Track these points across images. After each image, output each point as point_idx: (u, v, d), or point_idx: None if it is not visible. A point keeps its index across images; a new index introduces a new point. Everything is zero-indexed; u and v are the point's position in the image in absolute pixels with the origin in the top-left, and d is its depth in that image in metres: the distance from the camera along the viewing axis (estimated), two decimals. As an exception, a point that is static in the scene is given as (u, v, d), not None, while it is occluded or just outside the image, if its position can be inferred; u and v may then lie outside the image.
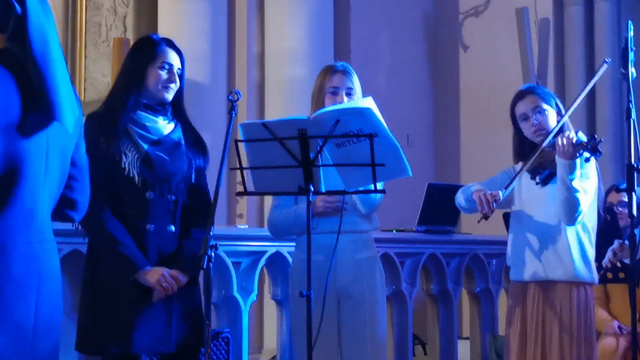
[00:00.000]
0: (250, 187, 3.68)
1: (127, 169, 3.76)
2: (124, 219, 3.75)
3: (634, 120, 3.71)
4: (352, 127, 3.48)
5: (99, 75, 9.38)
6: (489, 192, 4.25)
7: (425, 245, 6.47)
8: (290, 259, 5.51)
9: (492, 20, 9.15)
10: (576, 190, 4.16)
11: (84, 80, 9.43)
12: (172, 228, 3.84)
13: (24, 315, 2.61)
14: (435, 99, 9.56)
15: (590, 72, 8.63)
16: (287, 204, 4.24)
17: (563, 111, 4.45)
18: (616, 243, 4.58)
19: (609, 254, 4.59)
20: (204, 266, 3.28)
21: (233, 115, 3.70)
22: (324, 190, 3.56)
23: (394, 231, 6.31)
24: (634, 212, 3.67)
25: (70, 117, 2.65)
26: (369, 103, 3.57)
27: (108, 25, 9.28)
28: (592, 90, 8.61)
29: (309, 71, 8.19)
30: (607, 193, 5.82)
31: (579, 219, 4.25)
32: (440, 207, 6.43)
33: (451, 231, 6.71)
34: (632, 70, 3.76)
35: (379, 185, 4.03)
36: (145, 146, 3.81)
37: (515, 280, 4.49)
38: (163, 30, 8.15)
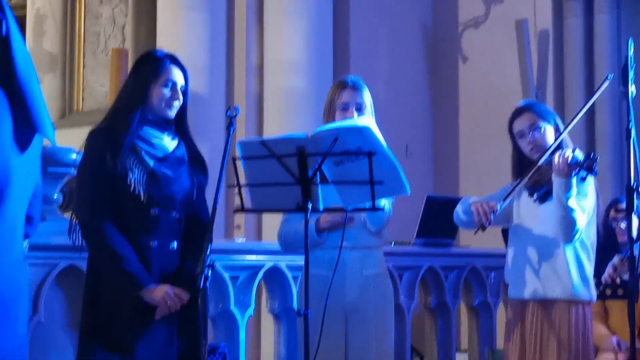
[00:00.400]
0: (248, 203, 3.66)
1: (132, 185, 3.76)
2: (128, 235, 3.74)
3: (634, 140, 3.68)
4: (350, 145, 3.46)
5: (97, 85, 9.35)
6: (487, 203, 4.24)
7: (423, 258, 6.46)
8: (288, 273, 5.52)
9: (492, 31, 9.14)
10: (572, 209, 4.15)
11: (82, 89, 9.41)
12: (175, 245, 3.84)
13: (10, 334, 2.60)
14: (434, 110, 9.54)
15: (590, 85, 8.62)
16: (297, 218, 4.20)
17: (561, 128, 4.43)
18: (616, 258, 4.57)
19: (608, 269, 4.58)
20: (201, 286, 3.27)
21: (231, 131, 3.68)
22: (321, 208, 3.54)
23: (392, 244, 6.28)
24: (634, 234, 3.62)
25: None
26: (367, 122, 3.56)
27: (107, 34, 9.27)
28: (592, 104, 8.59)
29: (308, 82, 8.19)
30: (609, 207, 5.81)
31: (576, 237, 4.23)
32: (438, 219, 6.41)
33: (450, 244, 6.70)
34: (632, 88, 3.73)
35: (387, 203, 4.11)
36: (151, 163, 3.81)
37: (514, 298, 4.48)
38: (162, 40, 8.15)
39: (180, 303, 3.75)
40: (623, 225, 5.72)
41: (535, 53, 8.74)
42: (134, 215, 3.76)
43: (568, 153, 4.11)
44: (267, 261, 5.42)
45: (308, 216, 3.45)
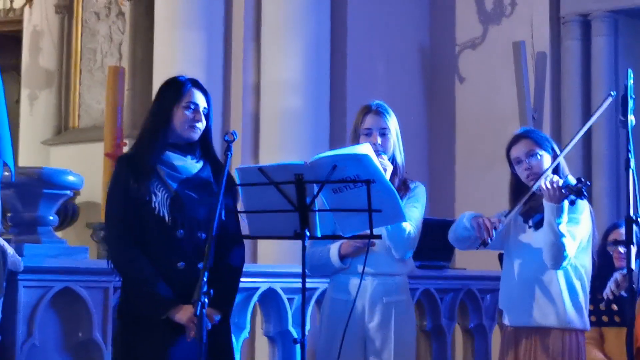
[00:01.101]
0: (246, 229, 3.67)
1: (157, 208, 3.83)
2: (155, 258, 3.81)
3: (633, 170, 3.67)
4: (349, 173, 3.48)
5: (94, 102, 9.34)
6: (488, 218, 4.25)
7: (419, 281, 6.42)
8: (283, 296, 5.51)
9: (489, 52, 9.14)
10: (562, 235, 4.15)
11: (77, 107, 9.41)
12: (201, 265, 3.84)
13: None
14: (430, 130, 9.53)
15: (587, 108, 8.63)
16: (323, 241, 4.21)
17: (558, 155, 4.43)
18: (618, 274, 4.57)
19: (610, 284, 4.58)
20: (197, 313, 3.25)
21: (229, 156, 3.69)
22: (319, 235, 3.54)
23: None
24: (633, 265, 3.60)
25: (11, 159, 2.64)
26: (366, 150, 3.55)
27: (103, 52, 9.27)
28: (589, 127, 8.59)
29: (305, 102, 8.19)
30: (607, 233, 5.81)
31: (564, 263, 4.22)
32: (434, 242, 6.38)
33: (445, 266, 6.68)
34: (631, 118, 3.73)
35: (412, 228, 4.17)
36: (175, 185, 3.87)
37: (508, 324, 4.48)
38: (159, 59, 8.15)
39: (210, 322, 3.75)
40: (622, 249, 5.72)
41: (533, 75, 8.73)
42: (160, 238, 3.82)
43: (557, 178, 4.12)
44: (262, 283, 5.40)
45: (305, 243, 3.45)
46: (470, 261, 7.16)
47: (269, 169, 3.51)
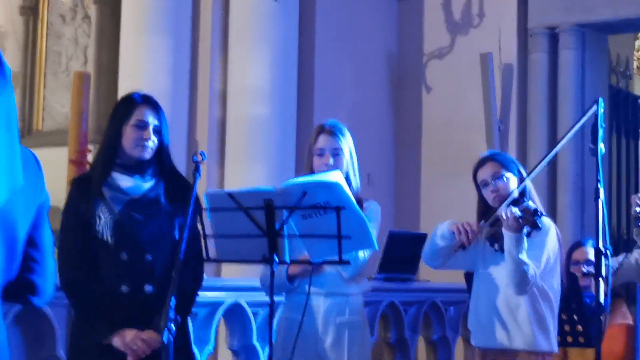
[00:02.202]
0: (213, 253, 3.64)
1: (100, 231, 3.75)
2: (101, 281, 3.74)
3: (602, 201, 3.67)
4: (319, 199, 3.46)
5: (58, 105, 9.26)
6: (467, 222, 4.30)
7: (384, 294, 6.43)
8: (248, 309, 5.48)
9: (456, 63, 9.15)
10: (523, 263, 4.17)
11: (42, 109, 9.32)
12: (150, 288, 3.77)
13: None
14: (397, 139, 9.53)
15: (553, 119, 8.68)
16: None
17: (525, 176, 4.48)
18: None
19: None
20: (165, 341, 3.19)
21: (197, 177, 3.62)
22: (288, 260, 3.53)
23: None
24: (601, 299, 3.60)
25: (4, 185, 2.56)
26: (336, 177, 3.54)
27: (68, 55, 9.18)
28: (554, 137, 8.65)
29: (272, 110, 8.16)
30: (570, 251, 5.83)
31: (527, 288, 4.25)
32: (401, 255, 6.42)
33: (410, 279, 6.69)
34: (601, 146, 3.73)
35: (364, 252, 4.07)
36: (118, 208, 3.79)
37: (476, 346, 4.52)
38: (124, 64, 8.08)
39: (148, 347, 3.69)
40: (585, 269, 5.75)
41: (499, 86, 8.76)
42: (105, 261, 3.75)
43: (515, 209, 4.12)
44: (227, 297, 5.37)
45: (274, 268, 3.43)
46: (434, 273, 7.17)
47: (239, 195, 3.48)
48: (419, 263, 6.79)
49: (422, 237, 6.98)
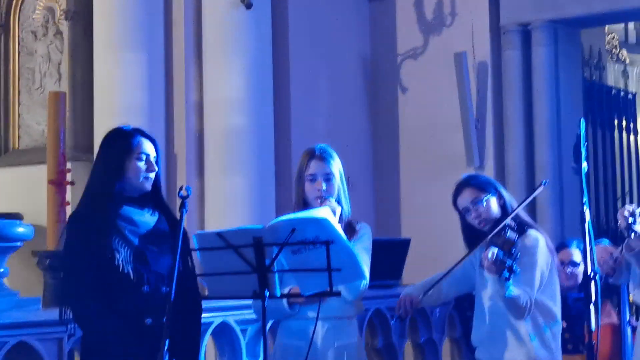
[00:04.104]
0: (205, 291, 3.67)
1: (121, 265, 3.78)
2: (123, 315, 3.75)
3: (589, 223, 3.70)
4: (308, 235, 3.51)
5: (34, 123, 9.20)
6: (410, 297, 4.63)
7: (370, 301, 6.44)
8: (236, 328, 5.51)
9: (431, 62, 9.15)
10: (512, 297, 4.25)
11: (17, 127, 9.24)
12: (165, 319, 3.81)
13: None
14: (374, 141, 9.53)
15: (529, 116, 8.70)
16: None
17: (503, 194, 4.61)
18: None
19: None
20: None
21: (184, 212, 3.65)
22: (278, 294, 3.55)
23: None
24: (592, 326, 3.62)
25: None
26: (325, 213, 3.58)
27: (42, 72, 9.11)
28: (530, 134, 8.69)
29: (249, 120, 8.15)
30: (555, 251, 5.89)
31: (525, 314, 4.36)
32: (384, 261, 6.43)
33: (395, 285, 6.72)
34: (584, 165, 3.76)
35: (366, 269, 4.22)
36: (136, 241, 3.83)
37: None
38: (99, 80, 8.04)
39: None
40: (569, 270, 5.82)
41: (475, 85, 8.78)
42: (126, 294, 3.78)
43: (490, 254, 4.17)
44: (216, 317, 5.39)
45: (265, 304, 3.46)
46: (419, 278, 7.20)
47: (228, 234, 3.52)
48: (403, 268, 6.83)
49: (405, 243, 7.03)
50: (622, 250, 4.31)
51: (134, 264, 3.80)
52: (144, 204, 3.95)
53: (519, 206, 4.49)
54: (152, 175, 3.95)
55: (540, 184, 4.51)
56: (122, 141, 3.93)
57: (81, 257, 3.78)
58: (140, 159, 3.91)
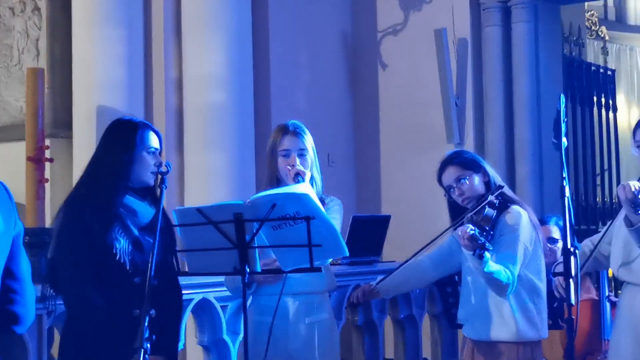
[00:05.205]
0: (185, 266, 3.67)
1: (118, 254, 3.78)
2: (112, 303, 3.76)
3: (568, 198, 3.71)
4: (288, 211, 3.51)
5: (12, 100, 9.14)
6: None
7: (350, 278, 6.46)
8: (216, 304, 5.51)
9: (411, 39, 9.15)
10: (492, 273, 4.25)
11: (-4, 105, 9.22)
12: (153, 312, 3.77)
13: None
14: (355, 117, 9.53)
15: (509, 92, 8.72)
16: None
17: (487, 169, 4.61)
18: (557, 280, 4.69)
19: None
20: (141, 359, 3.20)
21: (164, 189, 3.65)
22: (259, 270, 3.56)
23: (320, 265, 6.28)
24: (572, 298, 3.64)
25: None
26: (305, 188, 3.58)
27: (20, 48, 9.04)
28: (510, 111, 8.71)
29: (229, 96, 8.13)
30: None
31: (507, 291, 4.35)
32: (364, 238, 6.46)
33: (376, 261, 6.74)
34: (564, 140, 3.77)
35: None
36: (136, 231, 3.83)
37: (466, 336, 4.68)
38: (77, 56, 8.00)
39: None
40: (548, 246, 5.84)
41: (455, 62, 8.79)
42: (119, 284, 3.78)
43: (461, 231, 4.16)
44: (195, 294, 5.38)
45: (246, 280, 3.46)
46: (398, 254, 7.22)
47: (208, 210, 3.51)
48: (383, 244, 6.84)
49: (385, 219, 7.04)
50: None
51: (131, 255, 3.80)
52: (144, 195, 3.95)
53: (498, 187, 4.50)
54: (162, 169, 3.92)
55: None
56: (130, 135, 3.93)
57: (79, 240, 3.76)
58: (149, 153, 3.93)
